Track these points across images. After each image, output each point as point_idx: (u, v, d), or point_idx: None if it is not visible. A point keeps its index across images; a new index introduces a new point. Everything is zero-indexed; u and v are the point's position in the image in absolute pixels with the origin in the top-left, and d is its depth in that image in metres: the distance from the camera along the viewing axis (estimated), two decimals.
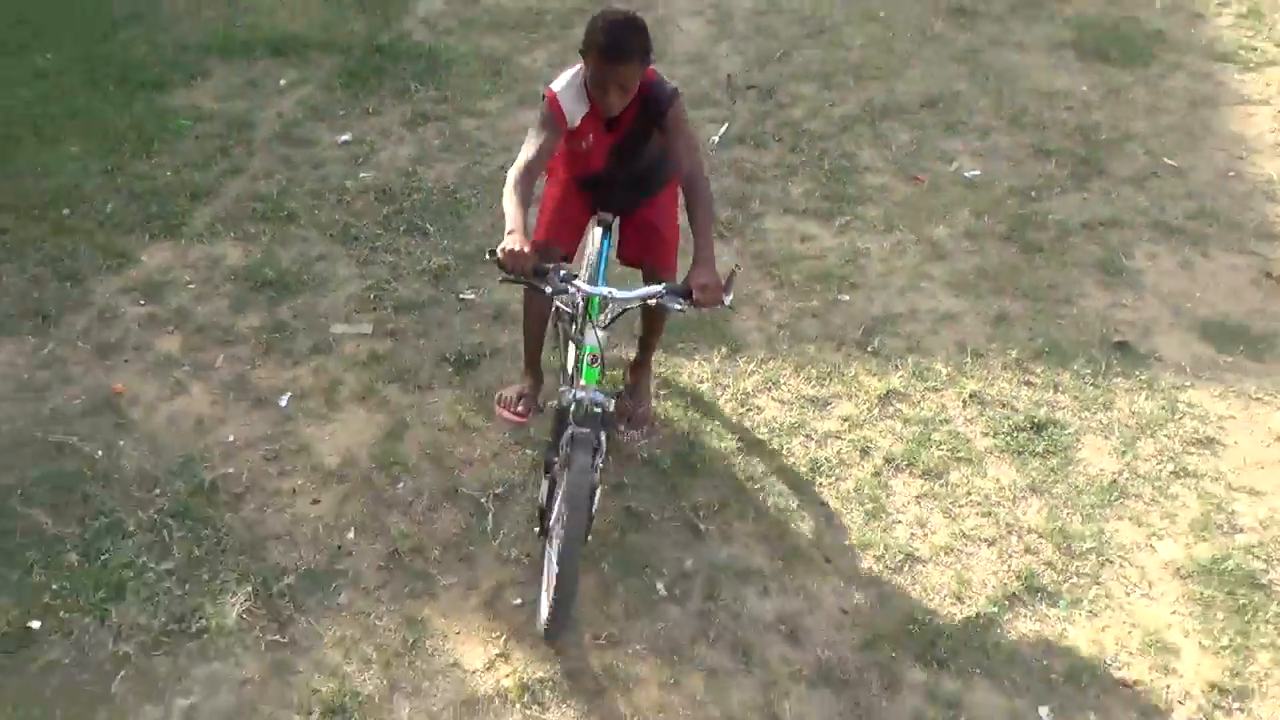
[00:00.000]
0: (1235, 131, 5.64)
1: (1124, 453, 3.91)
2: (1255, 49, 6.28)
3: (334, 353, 4.23)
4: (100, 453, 3.78)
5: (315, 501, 3.67)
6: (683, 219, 3.33)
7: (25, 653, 3.18)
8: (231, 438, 3.87)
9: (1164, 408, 4.08)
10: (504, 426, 3.87)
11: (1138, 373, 4.23)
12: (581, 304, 3.29)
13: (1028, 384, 4.18)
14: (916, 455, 3.87)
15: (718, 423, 3.98)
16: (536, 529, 3.43)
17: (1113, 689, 3.20)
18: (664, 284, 3.04)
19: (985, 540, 3.61)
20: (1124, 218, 5.03)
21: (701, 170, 3.21)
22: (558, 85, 3.22)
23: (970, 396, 4.11)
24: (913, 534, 3.63)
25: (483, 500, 3.67)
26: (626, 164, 3.38)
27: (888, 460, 3.86)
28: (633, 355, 4.01)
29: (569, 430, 3.05)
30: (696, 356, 4.24)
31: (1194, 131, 5.63)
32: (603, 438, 3.12)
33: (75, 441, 3.82)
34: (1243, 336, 4.40)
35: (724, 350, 4.26)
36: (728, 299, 2.96)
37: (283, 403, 4.01)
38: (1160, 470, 3.85)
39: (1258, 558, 3.56)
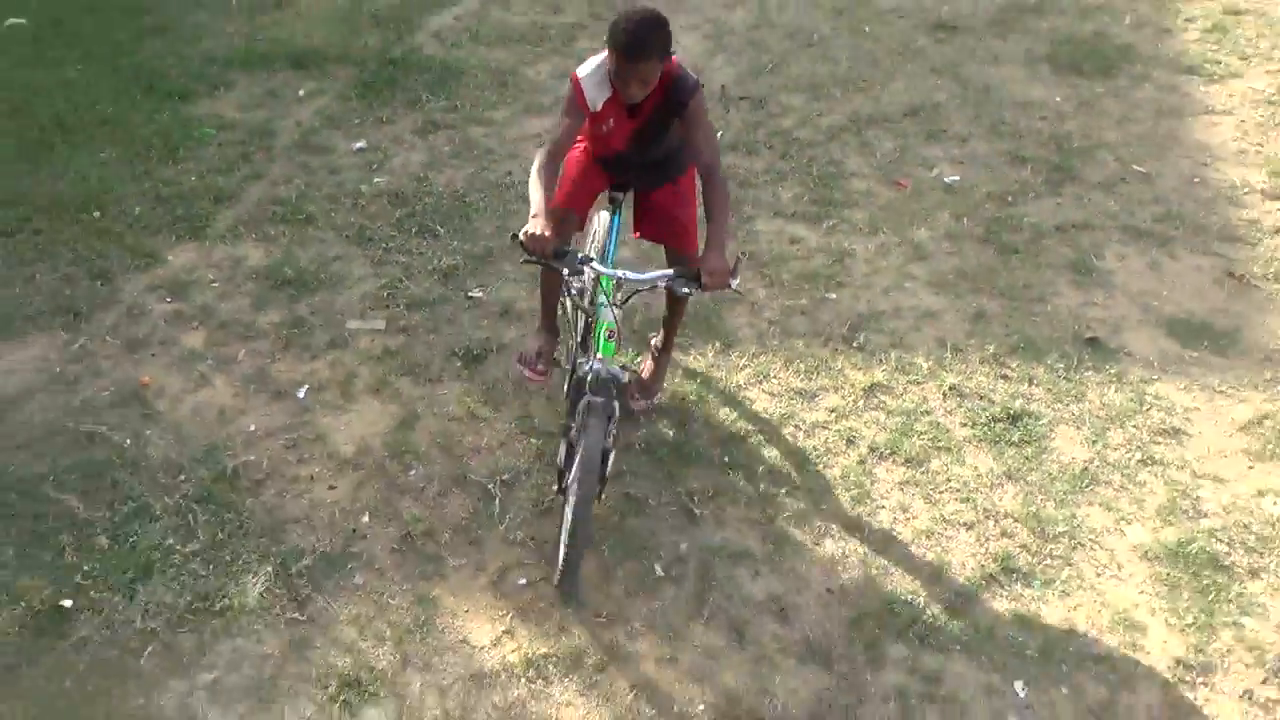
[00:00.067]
0: (1200, 140, 5.64)
1: (1095, 442, 3.91)
2: (1219, 62, 6.28)
3: (349, 347, 4.22)
4: (128, 441, 3.78)
5: (332, 487, 3.66)
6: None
7: (58, 629, 3.18)
8: (252, 427, 3.87)
9: (1132, 400, 4.08)
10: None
11: (1108, 367, 4.23)
12: (590, 282, 3.36)
13: (1004, 377, 4.18)
14: (899, 444, 3.87)
15: (711, 413, 3.98)
16: (555, 488, 3.46)
17: (1084, 664, 3.21)
18: (674, 268, 3.10)
19: (964, 524, 3.61)
20: (1095, 221, 5.03)
21: (719, 161, 3.21)
22: (583, 71, 3.20)
23: (950, 389, 4.11)
24: (895, 518, 3.63)
25: (490, 486, 3.67)
26: (646, 149, 3.37)
27: (872, 449, 3.86)
28: (650, 336, 4.05)
29: (585, 399, 3.10)
30: (691, 350, 4.24)
31: (1161, 140, 5.63)
32: (616, 406, 3.16)
33: (105, 431, 3.81)
34: (1207, 333, 4.40)
35: (717, 345, 4.26)
36: (734, 283, 2.98)
37: (301, 394, 4.01)
38: (1129, 459, 3.85)
39: (1221, 541, 3.56)
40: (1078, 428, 3.97)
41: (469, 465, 3.75)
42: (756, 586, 3.40)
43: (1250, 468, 3.83)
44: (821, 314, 4.46)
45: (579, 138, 3.47)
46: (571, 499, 3.13)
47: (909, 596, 3.38)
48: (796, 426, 3.94)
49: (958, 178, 5.32)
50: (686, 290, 3.04)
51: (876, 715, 3.07)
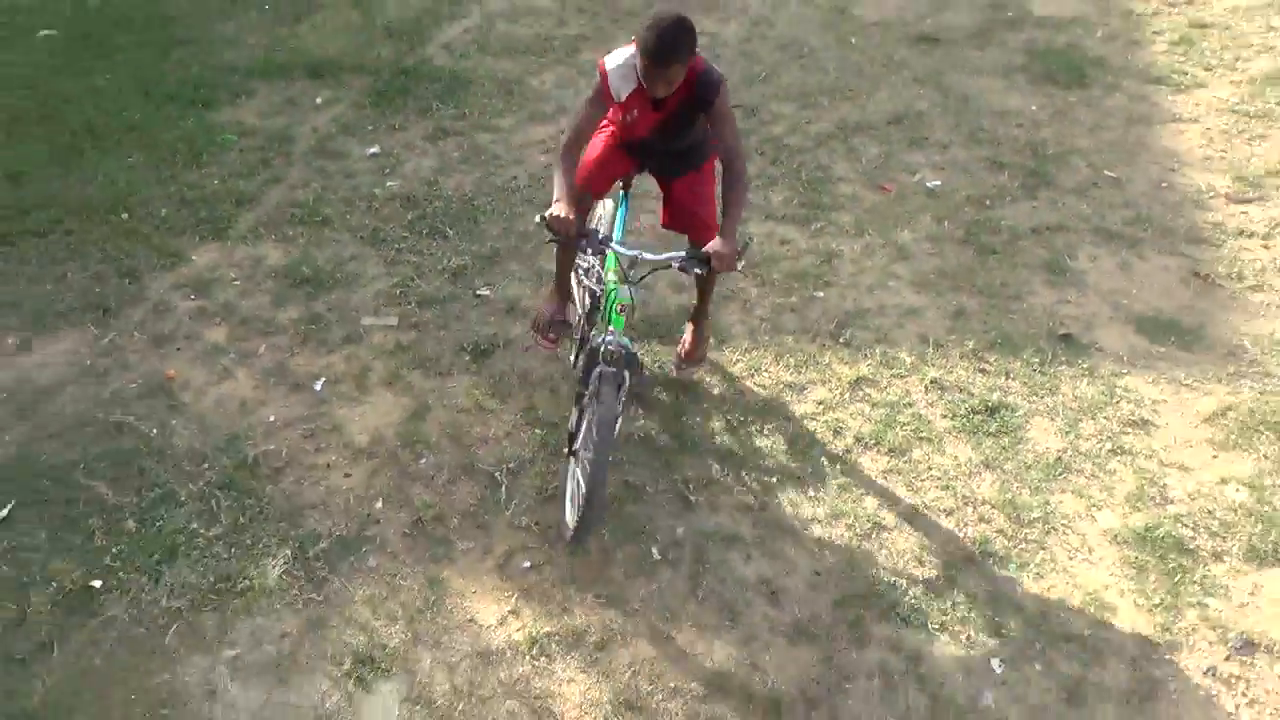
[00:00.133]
0: (1168, 147, 5.62)
1: (1068, 433, 3.90)
2: (1186, 73, 6.25)
3: (364, 342, 4.21)
4: (155, 431, 3.76)
5: (347, 475, 3.65)
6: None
7: (88, 608, 3.17)
8: (272, 418, 3.85)
9: (1103, 393, 4.07)
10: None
11: (1080, 361, 4.22)
12: (596, 261, 3.50)
13: (982, 371, 4.17)
14: (883, 435, 3.86)
15: (706, 405, 3.97)
16: (566, 450, 3.47)
17: (1057, 642, 3.20)
18: (686, 250, 3.16)
19: (944, 510, 3.60)
20: (1068, 224, 5.01)
21: (741, 150, 3.23)
22: (610, 62, 3.18)
23: (931, 382, 4.10)
24: (879, 505, 3.61)
25: (496, 474, 3.66)
26: (670, 139, 3.36)
27: (857, 439, 3.85)
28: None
29: (598, 369, 3.14)
30: None
31: (1131, 147, 5.61)
32: (626, 375, 3.20)
33: (133, 421, 3.79)
34: (1174, 329, 4.39)
35: (711, 341, 4.24)
36: (740, 265, 3.06)
37: (318, 387, 3.99)
38: (1100, 448, 3.84)
39: (1186, 526, 3.55)
40: (1051, 419, 3.96)
41: (477, 454, 3.74)
42: (748, 569, 3.39)
43: (1214, 457, 3.82)
44: (810, 311, 4.44)
45: (604, 123, 3.47)
46: (585, 463, 3.18)
47: (892, 579, 3.37)
48: (786, 417, 3.92)
49: (939, 182, 5.30)
50: (698, 270, 3.12)
51: (861, 691, 3.07)
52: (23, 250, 4.59)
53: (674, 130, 3.31)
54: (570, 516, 3.35)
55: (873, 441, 3.84)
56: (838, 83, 6.12)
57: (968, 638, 3.21)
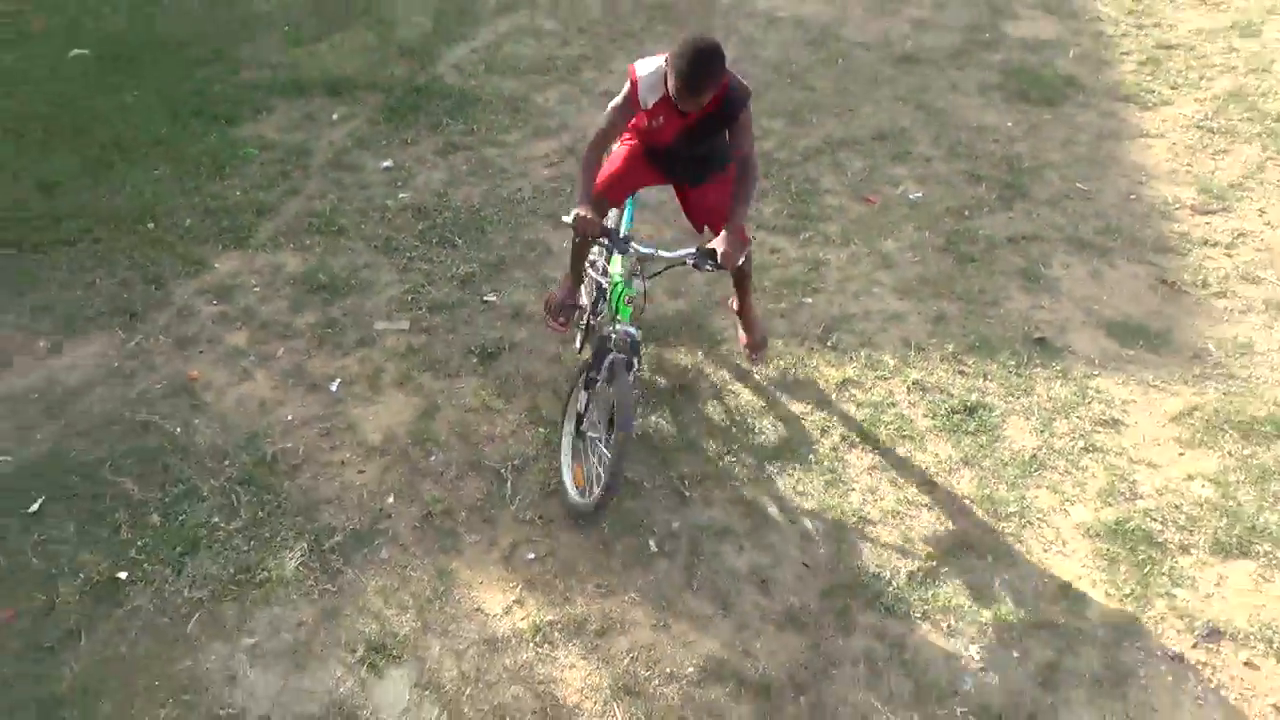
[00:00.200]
0: (1136, 161, 5.59)
1: (1042, 431, 3.88)
2: (1153, 91, 6.23)
3: (377, 345, 4.18)
4: (179, 430, 3.73)
5: (361, 471, 3.62)
6: None
7: (114, 599, 3.15)
8: (290, 417, 3.82)
9: (1076, 393, 4.05)
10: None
11: (1054, 364, 4.19)
12: (603, 256, 3.63)
13: (961, 373, 4.14)
14: (868, 433, 3.83)
15: (700, 405, 3.94)
16: (574, 429, 3.51)
17: (1032, 631, 3.18)
18: (696, 248, 3.22)
19: (925, 505, 3.58)
20: (1043, 233, 4.99)
21: (754, 155, 3.27)
22: (641, 69, 3.15)
23: (913, 384, 4.07)
24: (865, 500, 3.59)
25: (502, 471, 3.63)
26: (694, 145, 3.34)
27: (844, 437, 3.83)
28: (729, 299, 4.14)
29: (611, 356, 3.25)
30: (682, 349, 4.20)
31: (1101, 161, 5.59)
32: (634, 361, 3.28)
33: (158, 420, 3.77)
34: (1143, 334, 4.37)
35: (706, 344, 4.22)
36: (741, 259, 3.16)
37: (333, 388, 3.96)
38: (1073, 446, 3.82)
39: (1155, 520, 3.53)
40: (1027, 418, 3.94)
41: (483, 452, 3.71)
42: (740, 560, 3.37)
43: (1181, 454, 3.79)
44: (799, 317, 4.41)
45: (626, 134, 3.47)
46: (600, 439, 3.29)
47: (877, 570, 3.34)
48: (776, 417, 3.90)
49: (921, 194, 5.27)
50: (708, 267, 3.17)
51: (847, 676, 3.04)
52: (54, 258, 4.56)
53: (699, 138, 3.29)
54: (571, 487, 3.43)
55: (858, 440, 3.81)
56: (825, 100, 6.10)
57: (948, 626, 3.18)
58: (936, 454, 3.77)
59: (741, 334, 4.05)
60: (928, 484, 3.65)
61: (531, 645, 3.09)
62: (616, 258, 3.38)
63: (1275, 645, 3.14)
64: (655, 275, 3.33)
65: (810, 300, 4.51)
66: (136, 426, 3.74)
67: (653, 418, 3.86)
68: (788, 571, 3.34)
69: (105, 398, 3.86)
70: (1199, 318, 4.48)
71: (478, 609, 3.19)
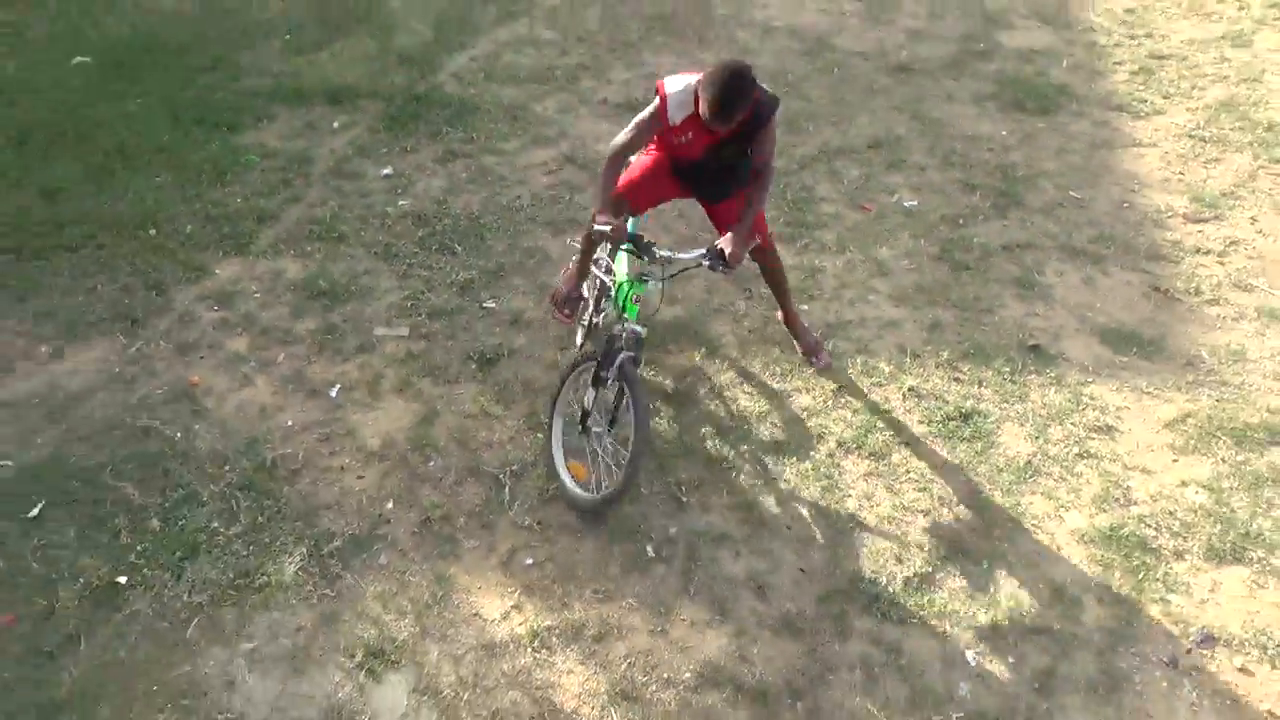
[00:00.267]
0: (1129, 169, 5.60)
1: (1037, 438, 3.87)
2: (1145, 101, 6.24)
3: (377, 352, 4.16)
4: (179, 435, 3.72)
5: (360, 477, 3.61)
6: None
7: (114, 603, 3.13)
8: (290, 422, 3.81)
9: (1070, 400, 4.04)
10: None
11: (1048, 371, 4.19)
12: (607, 257, 3.69)
13: (956, 380, 4.14)
14: (864, 440, 3.82)
15: (698, 411, 3.93)
16: (579, 426, 3.53)
17: (1027, 636, 3.17)
18: (705, 249, 3.29)
19: (921, 511, 3.57)
20: (1036, 241, 4.99)
21: (773, 161, 3.32)
22: (670, 87, 3.15)
23: (909, 390, 4.06)
24: (861, 505, 3.58)
25: (500, 476, 3.62)
26: (722, 157, 3.35)
27: (840, 444, 3.81)
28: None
29: (621, 355, 3.30)
30: (680, 355, 4.19)
31: (1095, 170, 5.59)
32: (641, 358, 3.38)
33: (158, 425, 3.75)
34: (1136, 341, 4.36)
35: (703, 350, 4.21)
36: (744, 257, 3.28)
37: (333, 393, 3.95)
38: (1067, 452, 3.81)
39: (1149, 526, 3.52)
40: (1021, 425, 3.93)
41: (482, 457, 3.70)
42: (737, 566, 3.35)
43: (1174, 460, 3.79)
44: None
45: (650, 148, 3.49)
46: (636, 439, 3.26)
47: (873, 575, 3.33)
48: (773, 423, 3.89)
49: (916, 202, 5.27)
50: (721, 268, 3.24)
51: (844, 682, 3.03)
52: (56, 264, 4.55)
53: (729, 151, 3.29)
54: (567, 479, 3.46)
55: (854, 446, 3.80)
56: (821, 109, 6.10)
57: (944, 631, 3.17)
58: (932, 460, 3.76)
59: (797, 343, 4.13)
60: (923, 490, 3.64)
61: (529, 650, 3.07)
62: (622, 258, 3.40)
63: (1269, 651, 3.13)
64: (672, 277, 3.38)
65: (806, 307, 4.50)
66: (137, 431, 3.72)
67: (649, 423, 3.84)
68: (784, 577, 3.32)
69: (106, 403, 3.84)
70: (1192, 325, 4.47)
71: (476, 614, 3.17)
